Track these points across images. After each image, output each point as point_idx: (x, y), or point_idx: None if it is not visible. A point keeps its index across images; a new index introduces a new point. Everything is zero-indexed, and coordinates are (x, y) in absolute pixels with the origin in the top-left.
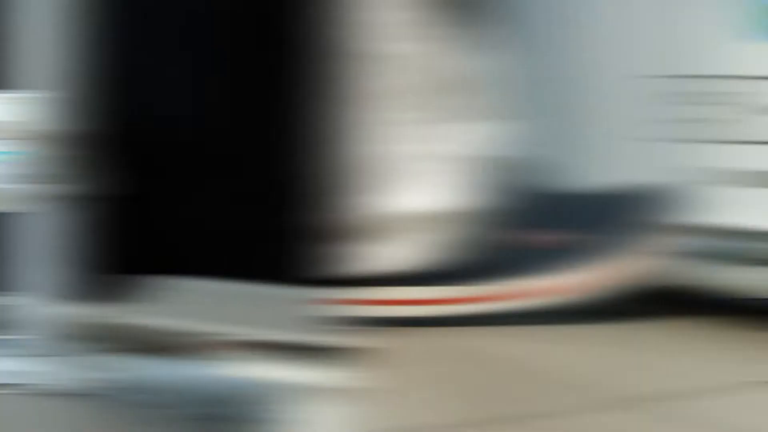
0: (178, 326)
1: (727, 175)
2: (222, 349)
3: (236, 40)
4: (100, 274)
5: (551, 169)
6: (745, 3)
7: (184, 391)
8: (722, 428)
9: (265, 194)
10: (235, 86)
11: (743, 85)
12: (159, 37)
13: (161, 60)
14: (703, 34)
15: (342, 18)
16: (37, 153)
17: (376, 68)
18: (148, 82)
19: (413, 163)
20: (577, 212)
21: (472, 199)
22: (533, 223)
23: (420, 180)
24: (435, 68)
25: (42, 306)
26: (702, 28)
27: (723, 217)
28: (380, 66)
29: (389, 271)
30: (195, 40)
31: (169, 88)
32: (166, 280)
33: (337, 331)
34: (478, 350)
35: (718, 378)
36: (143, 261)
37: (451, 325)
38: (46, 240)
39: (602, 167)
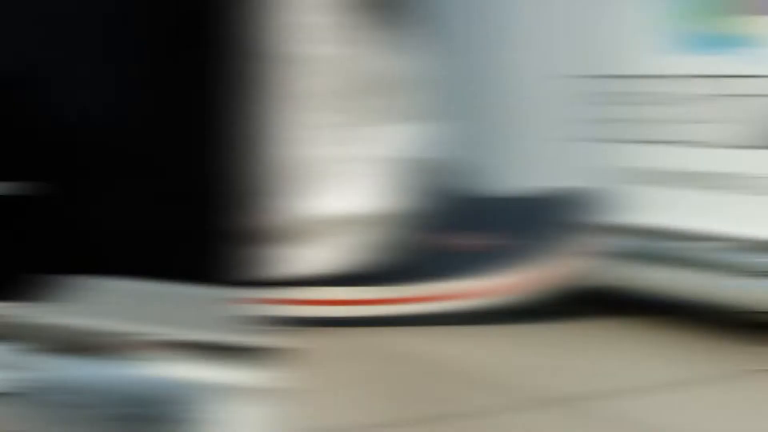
0: (99, 326)
1: (650, 175)
2: (143, 349)
3: (158, 38)
4: (20, 273)
5: (475, 172)
6: (666, 3)
7: (105, 391)
8: (643, 428)
9: (188, 195)
10: (157, 85)
11: (664, 85)
12: (77, 32)
13: (80, 57)
14: (624, 34)
15: (266, 19)
16: None
17: (300, 70)
18: (68, 80)
19: (337, 165)
20: (502, 214)
21: (396, 202)
22: (457, 225)
23: (344, 182)
24: (358, 70)
25: None
26: (623, 28)
27: (646, 218)
28: (304, 68)
29: (313, 272)
30: (115, 38)
31: (90, 86)
32: (87, 280)
33: (260, 331)
34: (403, 351)
35: (641, 378)
36: (64, 260)
37: (375, 326)
38: None
39: (526, 169)
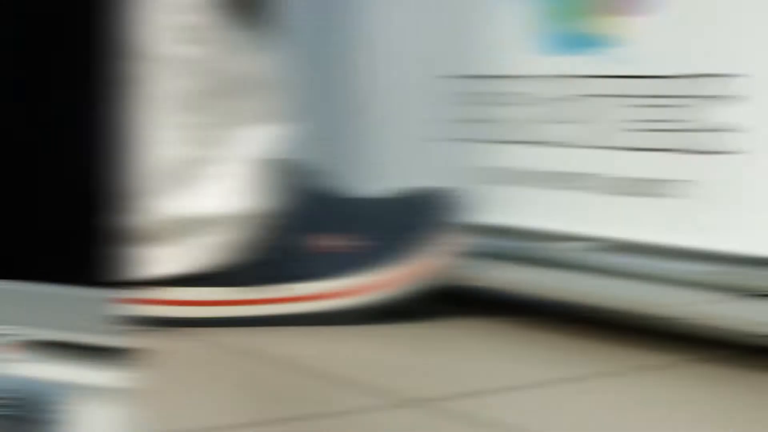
0: None
1: (511, 175)
2: (6, 350)
3: (27, 38)
4: None
5: (337, 173)
6: (528, 3)
7: None
8: (503, 428)
9: (51, 196)
10: (28, 86)
11: (526, 85)
12: None
13: None
14: (486, 35)
15: (132, 19)
16: None
17: (164, 71)
18: None
19: (200, 166)
20: (364, 215)
21: (259, 203)
22: (320, 226)
23: (207, 183)
24: (222, 71)
25: None
26: (485, 29)
27: (508, 218)
28: (168, 68)
29: (175, 272)
30: None
31: None
32: None
33: (121, 331)
34: (266, 351)
35: (504, 378)
36: None
37: (237, 327)
38: None
39: (388, 169)
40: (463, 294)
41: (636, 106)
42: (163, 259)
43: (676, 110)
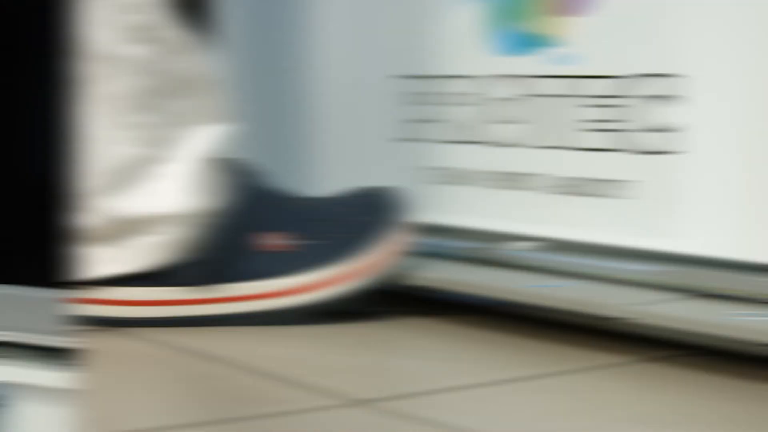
0: None
1: (459, 175)
2: None
3: None
4: None
5: (281, 172)
6: (482, 4)
7: None
8: (451, 428)
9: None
10: None
11: (472, 86)
12: None
13: None
14: (435, 35)
15: (78, 19)
16: None
17: (111, 70)
18: None
19: (145, 165)
20: (310, 214)
21: (204, 202)
22: (265, 225)
23: (152, 182)
24: (168, 71)
25: None
26: (434, 29)
27: (454, 218)
28: (114, 68)
29: (120, 272)
30: None
31: None
32: None
33: (68, 332)
34: (212, 351)
35: (452, 378)
36: None
37: (180, 326)
38: None
39: (336, 168)
40: (407, 294)
41: (580, 106)
42: (109, 258)
43: (619, 110)
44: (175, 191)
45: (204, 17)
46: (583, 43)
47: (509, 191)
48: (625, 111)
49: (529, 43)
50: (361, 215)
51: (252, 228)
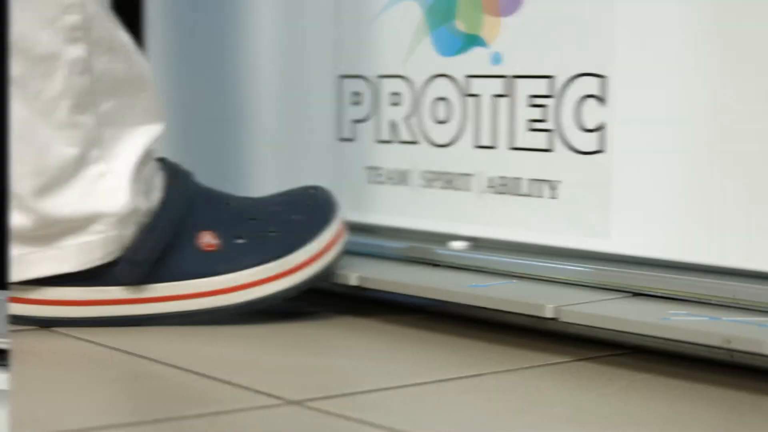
0: None
1: (394, 174)
2: None
3: None
4: None
5: (215, 171)
6: (417, 5)
7: None
8: (386, 429)
9: None
10: None
11: (406, 85)
12: None
13: None
14: (368, 35)
15: (14, 19)
16: None
17: (48, 70)
18: None
19: (81, 165)
20: (247, 213)
21: (138, 202)
22: (201, 225)
23: (87, 183)
24: (105, 71)
25: None
26: (369, 29)
27: (390, 218)
28: (49, 68)
29: (56, 272)
30: None
31: None
32: None
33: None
34: (147, 350)
35: (385, 378)
36: None
37: (119, 326)
38: None
39: (271, 168)
40: (341, 293)
41: (513, 106)
42: (43, 258)
43: (552, 110)
44: (110, 191)
45: (138, 17)
46: (515, 43)
47: (443, 191)
48: (558, 111)
49: (462, 43)
50: (295, 214)
51: (186, 227)
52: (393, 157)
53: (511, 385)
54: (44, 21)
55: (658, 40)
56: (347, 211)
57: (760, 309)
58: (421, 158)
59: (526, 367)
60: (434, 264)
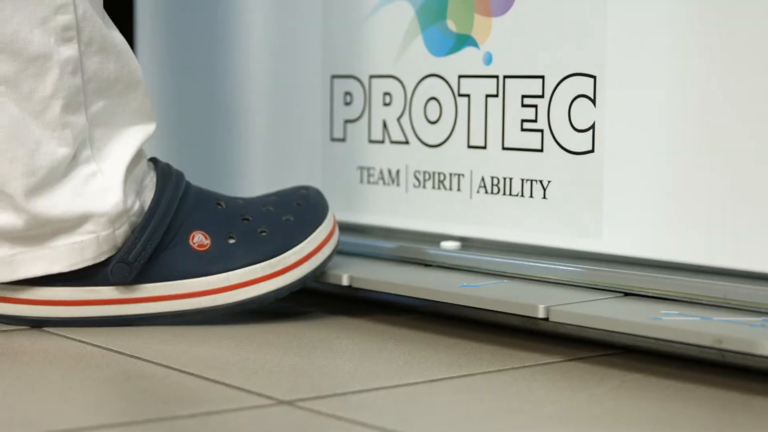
0: None
1: (386, 175)
2: None
3: None
4: None
5: (207, 171)
6: (408, 5)
7: None
8: (378, 429)
9: None
10: None
11: (397, 85)
12: None
13: None
14: (360, 36)
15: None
16: None
17: (38, 70)
18: None
19: (72, 165)
20: (239, 214)
21: (129, 201)
22: (193, 225)
23: (79, 182)
24: (92, 71)
25: None
26: (358, 29)
27: (382, 218)
28: (41, 68)
29: (48, 272)
30: None
31: None
32: None
33: None
34: (139, 350)
35: (378, 378)
36: None
37: (110, 325)
38: None
39: (262, 168)
40: (333, 293)
41: (505, 106)
42: (34, 258)
43: (544, 110)
44: (102, 191)
45: (128, 17)
46: (506, 43)
47: (434, 191)
48: (550, 111)
49: (454, 43)
50: (287, 214)
51: (178, 228)
52: (384, 157)
53: (503, 385)
54: (36, 21)
55: (649, 40)
56: (339, 211)
57: (752, 309)
58: (412, 158)
59: (518, 367)
60: (426, 264)
